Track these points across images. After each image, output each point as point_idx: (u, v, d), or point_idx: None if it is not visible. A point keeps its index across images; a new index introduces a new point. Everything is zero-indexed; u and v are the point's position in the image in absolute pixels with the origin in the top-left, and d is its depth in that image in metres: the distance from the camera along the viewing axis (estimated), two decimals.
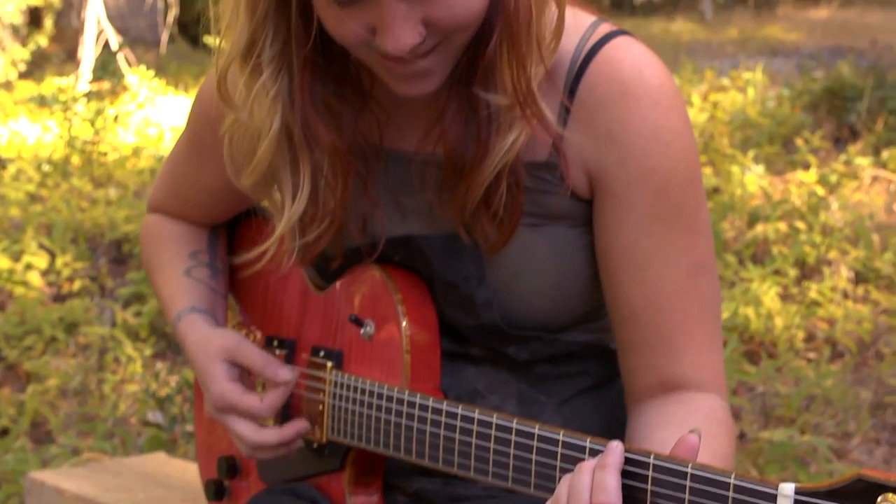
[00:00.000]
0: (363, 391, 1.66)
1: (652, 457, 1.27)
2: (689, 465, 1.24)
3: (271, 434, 1.73)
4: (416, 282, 1.68)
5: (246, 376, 1.77)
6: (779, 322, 5.21)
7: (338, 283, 1.77)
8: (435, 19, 1.42)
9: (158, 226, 2.01)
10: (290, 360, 1.82)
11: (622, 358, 1.64)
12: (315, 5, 1.46)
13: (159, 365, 5.13)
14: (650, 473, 1.27)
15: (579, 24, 1.58)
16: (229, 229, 2.02)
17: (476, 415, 1.49)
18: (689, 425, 1.46)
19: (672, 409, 1.56)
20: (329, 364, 1.73)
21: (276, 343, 1.85)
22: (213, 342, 1.77)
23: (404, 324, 1.65)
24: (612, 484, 1.25)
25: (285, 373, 1.72)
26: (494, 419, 1.46)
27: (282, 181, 1.62)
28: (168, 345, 5.48)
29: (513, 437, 1.43)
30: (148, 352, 5.29)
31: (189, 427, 4.11)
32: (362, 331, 1.69)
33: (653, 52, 1.57)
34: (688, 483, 1.23)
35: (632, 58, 1.54)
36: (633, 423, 1.61)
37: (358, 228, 1.68)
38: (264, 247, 1.66)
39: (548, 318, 1.64)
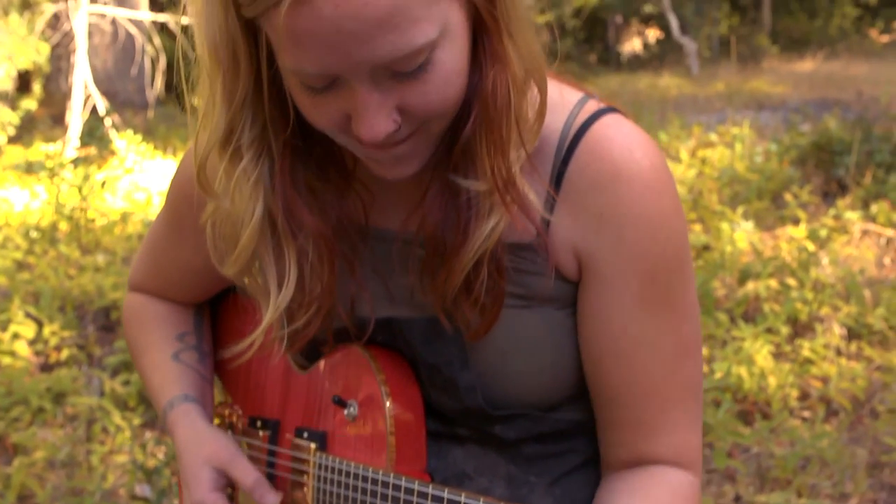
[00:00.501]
0: (348, 474, 1.62)
1: None
2: None
3: None
4: (400, 362, 1.65)
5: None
6: (772, 381, 5.18)
7: (321, 363, 1.73)
8: (410, 107, 1.38)
9: (142, 306, 1.97)
10: (273, 440, 1.79)
11: (600, 432, 1.62)
12: (290, 92, 1.43)
13: (148, 434, 5.08)
14: None
15: (566, 101, 1.54)
16: (211, 307, 1.98)
17: (462, 499, 1.45)
18: (653, 497, 1.51)
19: (640, 479, 1.55)
20: (313, 446, 1.70)
21: (259, 423, 1.82)
22: (207, 446, 1.74)
23: (388, 405, 1.61)
24: None
25: (272, 498, 1.69)
26: (480, 503, 1.43)
27: (267, 269, 1.58)
28: (156, 415, 5.42)
29: None
30: (136, 421, 5.24)
31: (177, 502, 4.05)
32: (346, 412, 1.66)
33: (642, 129, 1.53)
34: None
35: (622, 137, 1.50)
36: (601, 490, 1.61)
37: (346, 311, 1.64)
38: (252, 338, 1.61)
39: (534, 399, 1.61)
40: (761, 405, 5.16)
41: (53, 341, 6.19)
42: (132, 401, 5.49)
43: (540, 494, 1.66)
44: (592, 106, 1.54)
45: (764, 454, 4.51)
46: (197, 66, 1.48)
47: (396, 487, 1.54)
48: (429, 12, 1.31)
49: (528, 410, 1.61)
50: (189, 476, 1.73)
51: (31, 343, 6.20)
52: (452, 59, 1.37)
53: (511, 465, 1.65)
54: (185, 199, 1.72)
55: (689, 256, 1.56)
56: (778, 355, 5.65)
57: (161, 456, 4.52)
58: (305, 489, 1.70)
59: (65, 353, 6.10)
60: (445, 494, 1.47)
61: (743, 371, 5.19)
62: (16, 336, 6.09)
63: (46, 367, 6.09)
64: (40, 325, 6.35)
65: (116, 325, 6.65)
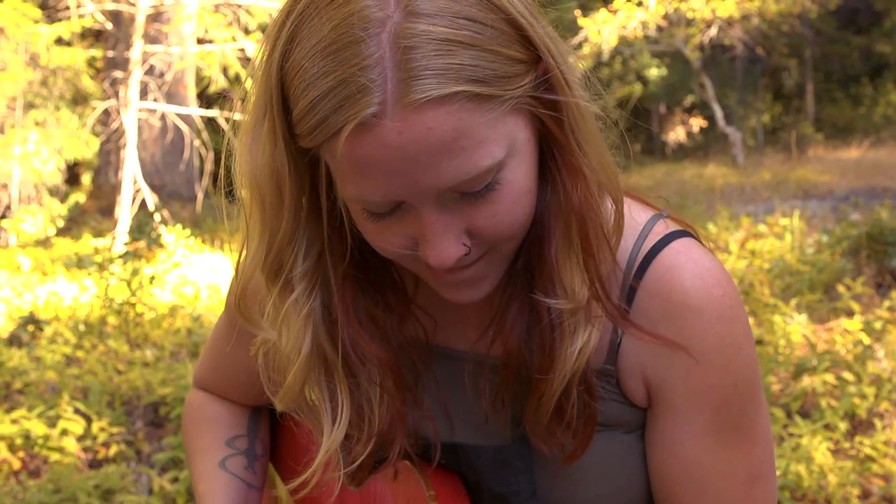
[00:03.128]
0: None
1: None
2: None
3: None
4: (452, 479, 1.60)
5: None
6: (832, 479, 5.06)
7: (374, 481, 1.68)
8: (479, 229, 1.33)
9: (200, 406, 1.95)
10: None
11: None
12: (354, 220, 1.38)
13: None
14: None
15: (634, 221, 1.50)
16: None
17: None
18: None
19: None
20: None
21: None
22: None
23: None
24: None
25: None
26: None
27: (318, 406, 1.52)
28: None
29: None
30: None
31: None
32: None
33: (713, 256, 1.49)
34: None
35: (693, 265, 1.45)
36: None
37: (410, 440, 1.58)
38: (306, 475, 1.53)
39: None
40: (821, 503, 5.04)
41: (102, 437, 6.16)
42: (181, 498, 5.43)
43: None
44: (661, 228, 1.50)
45: None
46: (240, 197, 1.43)
47: None
48: (494, 133, 1.27)
49: None
50: None
51: (80, 439, 6.17)
52: (520, 178, 1.33)
53: None
54: (258, 311, 1.69)
55: (759, 382, 1.51)
56: (836, 452, 5.53)
57: None
58: None
59: (113, 450, 6.07)
60: None
61: (801, 469, 5.07)
62: (64, 432, 6.06)
63: (95, 464, 6.05)
64: (89, 420, 6.33)
65: (165, 420, 6.62)
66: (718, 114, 27.61)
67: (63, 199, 18.78)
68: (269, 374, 1.55)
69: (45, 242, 16.67)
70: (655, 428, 1.50)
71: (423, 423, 1.60)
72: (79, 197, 19.69)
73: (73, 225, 18.20)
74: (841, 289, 8.28)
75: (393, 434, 1.53)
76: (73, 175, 20.75)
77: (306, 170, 1.36)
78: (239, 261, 1.49)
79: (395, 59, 1.21)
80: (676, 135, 34.59)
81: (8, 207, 17.63)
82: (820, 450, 5.29)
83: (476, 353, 1.54)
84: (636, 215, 1.51)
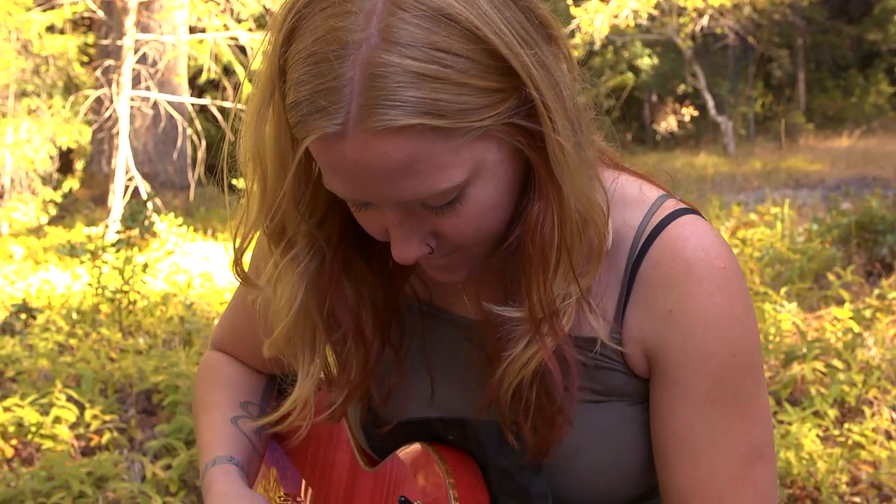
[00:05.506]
0: None
1: None
2: None
3: None
4: (469, 464, 1.62)
5: None
6: (821, 466, 5.10)
7: (388, 461, 1.71)
8: (443, 235, 1.41)
9: (216, 365, 2.00)
10: None
11: None
12: None
13: None
14: None
15: (645, 197, 1.55)
16: None
17: None
18: None
19: None
20: None
21: None
22: None
23: None
24: None
25: None
26: None
27: (297, 359, 1.63)
28: (198, 498, 5.39)
29: None
30: None
31: None
32: None
33: (718, 233, 1.53)
34: None
35: (697, 238, 1.49)
36: None
37: (381, 397, 1.68)
38: (279, 413, 1.66)
39: (605, 499, 1.58)
40: (810, 490, 5.07)
41: (95, 425, 6.18)
42: (173, 486, 5.45)
43: None
44: (671, 205, 1.54)
45: None
46: (243, 167, 1.50)
47: None
48: (456, 158, 1.33)
49: None
50: None
51: (73, 427, 6.19)
52: (487, 195, 1.38)
53: None
54: (256, 268, 1.75)
55: (759, 361, 1.53)
56: (826, 439, 5.57)
57: None
58: None
59: (106, 437, 6.08)
60: None
61: (791, 456, 5.11)
62: (57, 420, 6.08)
63: (88, 451, 6.06)
64: (82, 408, 6.35)
65: (158, 408, 6.64)
66: (710, 103, 27.63)
67: (55, 187, 18.75)
68: (264, 318, 1.63)
69: (37, 231, 16.65)
70: (655, 396, 1.53)
71: (398, 391, 1.66)
72: (71, 185, 19.65)
73: (65, 213, 18.18)
74: (831, 277, 8.32)
75: (367, 385, 1.64)
76: (65, 163, 20.69)
77: (298, 147, 1.41)
78: (238, 226, 1.56)
79: (362, 83, 1.27)
80: (668, 124, 34.60)
81: (0, 196, 17.61)
82: (809, 437, 5.32)
83: (472, 320, 1.60)
84: (647, 192, 1.56)
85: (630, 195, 1.54)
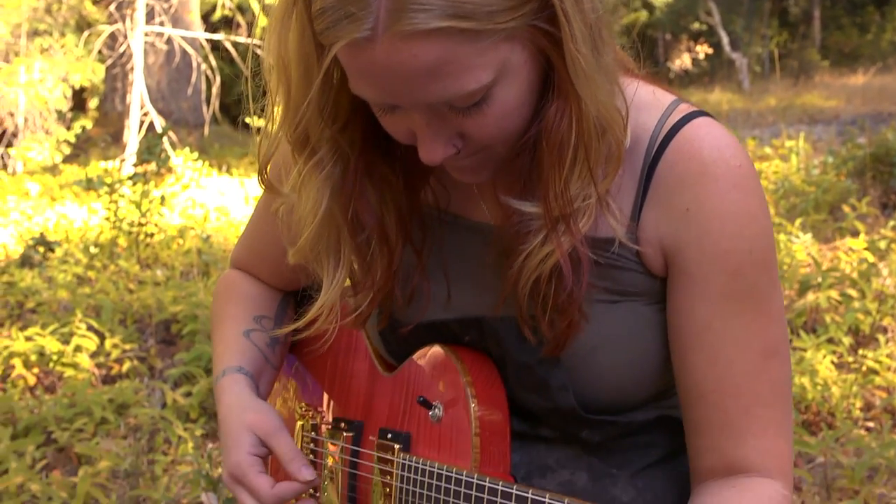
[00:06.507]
0: (431, 474, 1.62)
1: None
2: None
3: None
4: (486, 363, 1.66)
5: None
6: (836, 391, 5.14)
7: (406, 364, 1.75)
8: (469, 135, 1.44)
9: (234, 282, 2.03)
10: (356, 442, 1.79)
11: (688, 438, 1.61)
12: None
13: (210, 446, 5.10)
14: None
15: (659, 102, 1.57)
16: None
17: (547, 499, 1.44)
18: None
19: (729, 493, 1.54)
20: (397, 447, 1.70)
21: (342, 425, 1.83)
22: (251, 414, 1.76)
23: (473, 406, 1.61)
24: None
25: (308, 473, 1.69)
26: (565, 503, 1.42)
27: (322, 265, 1.65)
28: (218, 425, 5.43)
29: None
30: (198, 432, 5.26)
31: None
32: (431, 413, 1.67)
33: (733, 135, 1.55)
34: None
35: (712, 138, 1.52)
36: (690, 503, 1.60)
37: (405, 297, 1.71)
38: (308, 318, 1.68)
39: (622, 397, 1.61)
40: (825, 416, 5.11)
41: (115, 354, 6.24)
42: (194, 412, 5.52)
43: (622, 486, 1.67)
44: (685, 108, 1.56)
45: (830, 464, 4.47)
46: (267, 75, 1.52)
47: (480, 488, 1.53)
48: (483, 59, 1.35)
49: (616, 414, 1.62)
50: (230, 440, 1.75)
51: (93, 356, 6.25)
52: (511, 95, 1.41)
53: (593, 457, 1.66)
54: (277, 179, 1.76)
55: (774, 260, 1.56)
56: (840, 366, 5.60)
57: None
58: (389, 490, 1.70)
59: (126, 366, 6.15)
60: (529, 495, 1.46)
61: (806, 381, 5.14)
62: (78, 349, 6.14)
63: (108, 380, 6.13)
64: (102, 338, 6.41)
65: (177, 338, 6.70)
66: (724, 40, 27.45)
67: (69, 126, 18.75)
68: (288, 227, 1.66)
69: (52, 170, 16.68)
70: (672, 295, 1.56)
71: (420, 292, 1.70)
72: (85, 123, 19.64)
73: (79, 152, 18.19)
74: (846, 209, 8.31)
75: (391, 287, 1.67)
76: (79, 102, 20.69)
77: (325, 54, 1.43)
78: (261, 135, 1.59)
79: None
80: (682, 61, 34.39)
81: (14, 135, 17.62)
82: (824, 364, 5.36)
83: (489, 225, 1.63)
84: (661, 96, 1.58)
85: (645, 99, 1.56)
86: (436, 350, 1.69)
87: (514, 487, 1.49)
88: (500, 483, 1.51)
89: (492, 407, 1.63)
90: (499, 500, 1.50)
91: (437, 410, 1.66)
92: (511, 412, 1.65)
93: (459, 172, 1.53)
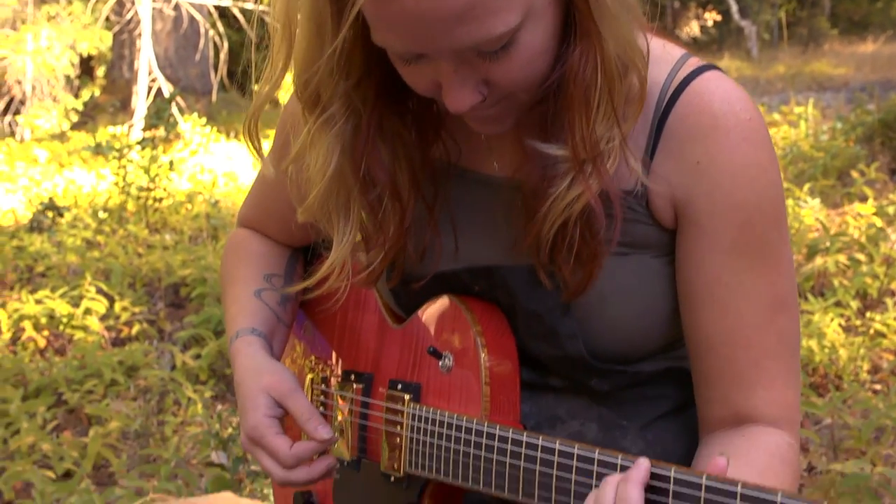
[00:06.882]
0: (442, 423, 1.63)
1: (672, 470, 1.30)
2: (704, 477, 1.26)
3: (298, 474, 1.72)
4: (495, 313, 1.66)
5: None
6: (843, 354, 5.15)
7: (415, 316, 1.75)
8: (495, 82, 1.43)
9: (243, 241, 2.03)
10: (367, 394, 1.80)
11: (697, 389, 1.63)
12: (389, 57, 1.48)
13: (220, 407, 5.13)
14: (671, 487, 1.30)
15: (669, 55, 1.57)
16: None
17: (557, 445, 1.45)
18: (751, 460, 1.49)
19: (738, 441, 1.55)
20: (407, 397, 1.71)
21: (353, 377, 1.83)
22: (267, 376, 1.76)
23: (483, 356, 1.62)
24: (634, 497, 1.29)
25: (325, 432, 1.71)
26: (576, 450, 1.43)
27: (332, 223, 1.65)
28: (227, 387, 5.48)
29: (595, 468, 1.40)
30: (208, 394, 5.30)
31: (255, 467, 4.09)
32: (441, 363, 1.67)
33: (742, 89, 1.55)
34: (702, 495, 1.26)
35: (723, 91, 1.53)
36: (699, 454, 1.61)
37: (417, 254, 1.70)
38: (318, 276, 1.68)
39: (631, 348, 1.62)
40: (832, 378, 5.13)
41: (124, 317, 6.27)
42: (203, 374, 5.55)
43: (632, 438, 1.67)
44: (694, 62, 1.57)
45: (837, 425, 4.49)
46: (272, 34, 1.52)
47: (491, 436, 1.54)
48: (509, 3, 1.35)
49: (623, 367, 1.63)
50: (246, 402, 1.76)
51: (103, 318, 6.28)
52: (536, 40, 1.41)
53: (603, 408, 1.67)
54: (286, 136, 1.75)
55: (784, 213, 1.57)
56: (848, 329, 5.62)
57: (236, 425, 4.56)
58: (399, 440, 1.71)
59: (136, 328, 6.18)
60: (540, 441, 1.47)
61: (813, 344, 5.16)
62: (88, 311, 6.17)
63: (118, 342, 6.17)
64: (111, 301, 6.43)
65: (186, 301, 6.72)
66: (733, 7, 27.32)
67: (77, 93, 18.73)
68: (297, 186, 1.66)
69: (60, 137, 16.69)
70: (681, 247, 1.56)
71: (433, 246, 1.69)
72: (93, 91, 19.62)
73: (87, 119, 18.19)
74: (854, 174, 8.31)
75: (403, 243, 1.66)
76: (86, 69, 20.64)
77: (347, 7, 1.43)
78: (257, 90, 1.58)
79: None
80: (690, 29, 34.25)
81: (22, 103, 17.62)
82: (831, 327, 5.37)
83: (503, 177, 1.63)
84: (671, 50, 1.58)
85: (655, 52, 1.55)
86: (445, 301, 1.69)
87: (525, 435, 1.50)
88: (511, 431, 1.52)
89: (502, 356, 1.64)
90: (509, 447, 1.51)
91: (446, 360, 1.66)
92: (521, 362, 1.66)
93: (482, 123, 1.53)
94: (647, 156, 1.54)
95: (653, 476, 1.30)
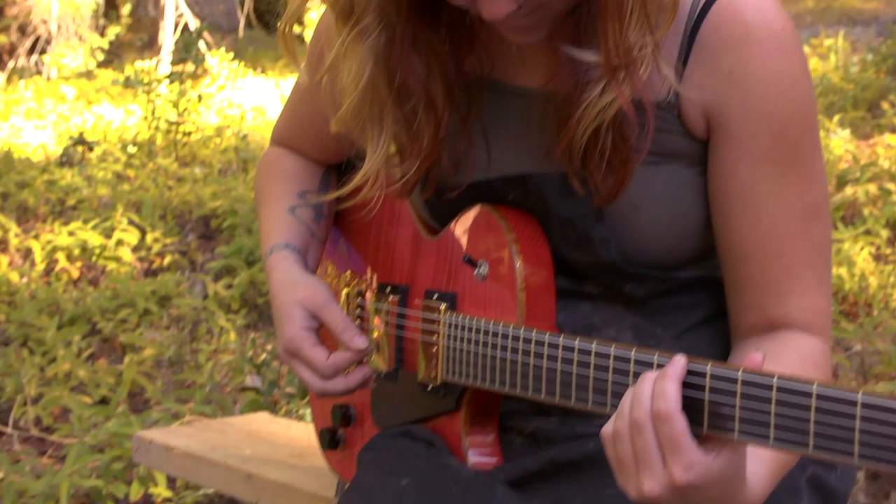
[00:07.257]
0: (478, 330, 1.64)
1: (709, 366, 1.30)
2: (740, 372, 1.27)
3: (336, 384, 1.75)
4: (530, 221, 1.68)
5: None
6: (873, 282, 5.15)
7: (450, 227, 1.77)
8: None
9: (276, 159, 2.05)
10: (403, 304, 1.82)
11: (730, 296, 1.64)
12: None
13: (253, 335, 5.17)
14: (707, 382, 1.30)
15: None
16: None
17: (593, 347, 1.46)
18: (783, 362, 1.50)
19: (769, 344, 1.56)
20: (443, 306, 1.72)
21: (388, 289, 1.85)
22: (301, 289, 1.79)
23: (518, 263, 1.63)
24: (671, 392, 1.29)
25: (361, 342, 1.74)
26: (612, 350, 1.43)
27: (366, 133, 1.66)
28: (259, 316, 5.52)
29: (631, 368, 1.41)
30: (240, 322, 5.34)
31: (290, 389, 4.13)
32: (476, 272, 1.69)
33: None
34: (738, 388, 1.26)
35: (755, 1, 1.53)
36: (732, 357, 1.63)
37: (453, 163, 1.71)
38: (352, 185, 1.70)
39: (662, 256, 1.64)
40: (862, 305, 5.13)
41: (156, 248, 6.32)
42: (235, 304, 5.59)
43: (667, 347, 1.67)
44: None
45: (867, 351, 4.49)
46: None
47: (527, 340, 1.56)
48: None
49: (658, 270, 1.64)
50: (283, 315, 1.78)
51: (135, 250, 6.33)
52: None
53: (638, 316, 1.68)
54: (320, 49, 1.77)
55: (816, 122, 1.58)
56: (878, 258, 5.61)
57: (270, 350, 4.60)
58: (436, 348, 1.73)
59: (167, 259, 6.22)
60: (576, 343, 1.48)
61: (843, 272, 5.16)
62: (120, 243, 6.22)
63: (150, 273, 6.21)
64: (143, 232, 6.47)
65: (216, 232, 6.76)
66: None
67: (102, 32, 18.69)
68: (331, 97, 1.68)
69: (87, 75, 16.68)
70: (714, 157, 1.58)
71: (467, 157, 1.70)
72: (118, 30, 19.58)
73: (113, 57, 18.17)
74: (885, 106, 8.25)
75: (438, 153, 1.67)
76: (111, 7, 20.59)
77: None
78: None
79: None
80: None
81: (48, 42, 17.60)
82: (861, 255, 5.37)
83: (536, 89, 1.63)
84: None
85: None
86: (479, 210, 1.71)
87: (561, 338, 1.51)
88: (548, 334, 1.53)
89: (537, 264, 1.65)
90: (546, 350, 1.52)
91: (482, 269, 1.68)
92: (556, 270, 1.67)
93: (516, 32, 1.53)
94: (680, 65, 1.55)
95: (689, 372, 1.30)
